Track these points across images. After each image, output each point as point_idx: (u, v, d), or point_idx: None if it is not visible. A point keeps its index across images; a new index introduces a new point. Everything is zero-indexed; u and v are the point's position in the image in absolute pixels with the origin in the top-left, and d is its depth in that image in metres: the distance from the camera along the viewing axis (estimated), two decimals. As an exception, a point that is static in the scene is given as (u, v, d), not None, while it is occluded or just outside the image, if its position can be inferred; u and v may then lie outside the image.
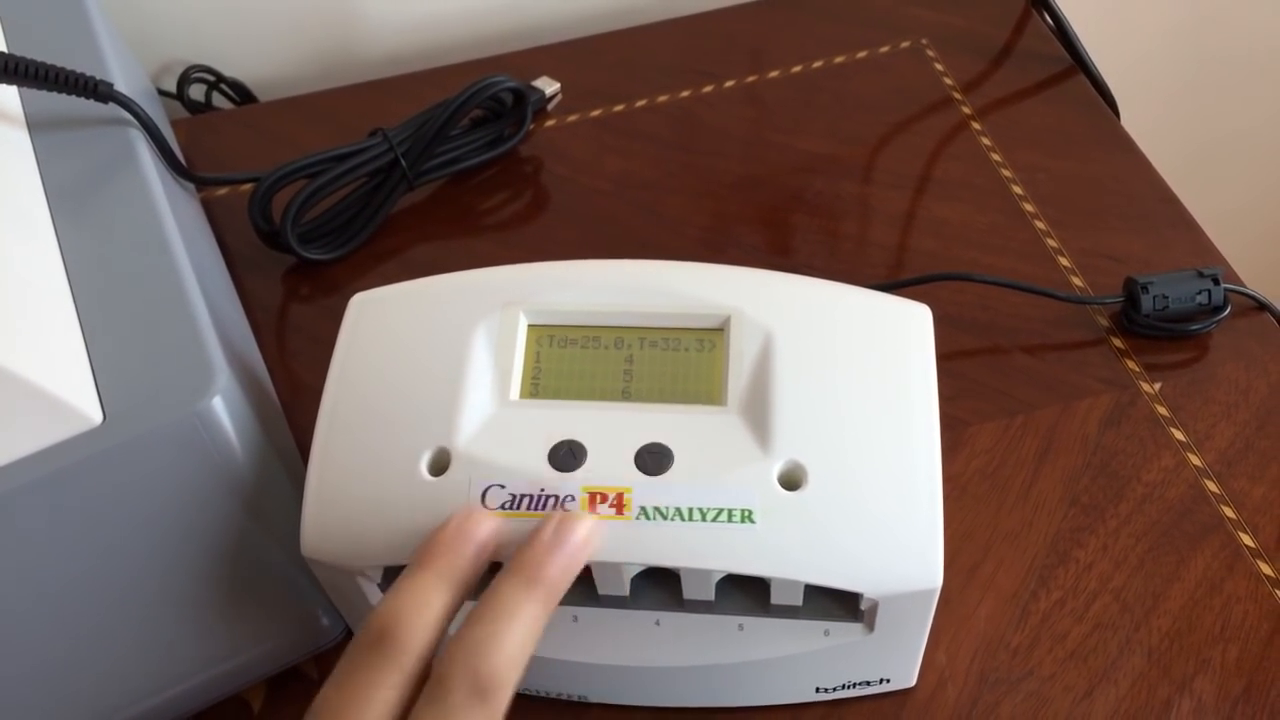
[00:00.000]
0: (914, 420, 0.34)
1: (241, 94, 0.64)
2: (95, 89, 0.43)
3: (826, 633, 0.36)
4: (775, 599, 0.35)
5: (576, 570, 0.32)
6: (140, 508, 0.37)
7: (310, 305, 0.53)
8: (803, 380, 0.35)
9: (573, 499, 0.33)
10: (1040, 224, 0.53)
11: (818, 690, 0.39)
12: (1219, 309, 0.47)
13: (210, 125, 0.60)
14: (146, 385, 0.36)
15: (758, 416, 0.34)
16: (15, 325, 0.35)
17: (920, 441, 0.34)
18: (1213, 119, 0.90)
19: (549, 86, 0.59)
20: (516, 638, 0.30)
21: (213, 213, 0.56)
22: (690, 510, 0.33)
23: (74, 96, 0.43)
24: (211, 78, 0.63)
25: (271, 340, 0.51)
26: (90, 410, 0.35)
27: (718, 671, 0.37)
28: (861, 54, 0.61)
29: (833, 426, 0.34)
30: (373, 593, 0.37)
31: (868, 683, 0.39)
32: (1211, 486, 0.44)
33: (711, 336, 0.36)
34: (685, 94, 0.60)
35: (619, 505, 0.33)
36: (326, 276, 0.53)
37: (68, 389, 0.35)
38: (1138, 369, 0.48)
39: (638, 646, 0.37)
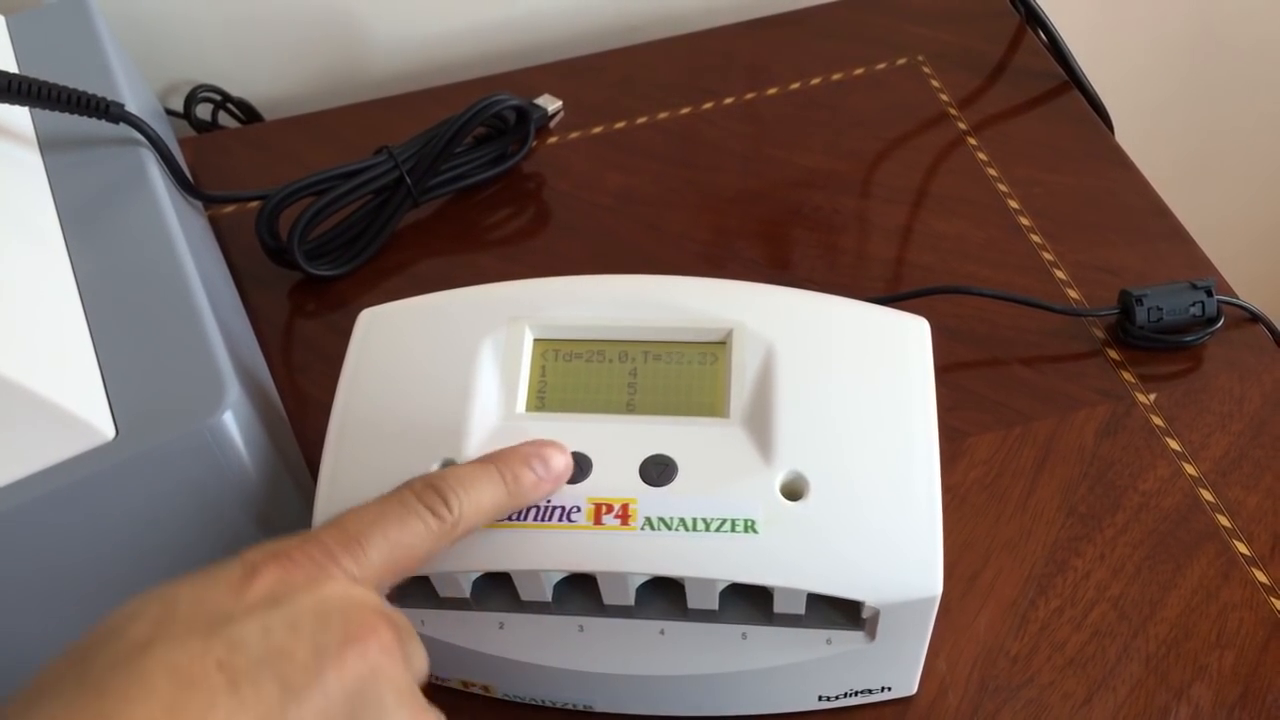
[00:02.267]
0: (913, 431, 0.35)
1: (248, 113, 0.65)
2: (106, 110, 0.44)
3: (829, 641, 0.36)
4: (778, 608, 0.35)
5: (538, 495, 0.34)
6: (151, 520, 0.38)
7: (316, 321, 0.53)
8: (804, 392, 0.36)
9: (579, 510, 0.34)
10: (1036, 237, 0.54)
11: (820, 699, 0.39)
12: (1212, 320, 0.48)
13: (217, 144, 0.61)
14: (158, 400, 0.37)
15: (760, 428, 0.35)
16: (29, 342, 0.36)
17: (920, 452, 0.35)
18: (1204, 130, 0.91)
19: (551, 104, 0.60)
20: (481, 493, 0.32)
21: (220, 230, 0.56)
22: (694, 520, 0.34)
23: (85, 117, 0.44)
24: (218, 97, 0.64)
25: (278, 355, 0.52)
26: (103, 425, 0.36)
27: (721, 680, 0.37)
28: (859, 71, 0.62)
29: (834, 437, 0.35)
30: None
31: (869, 691, 0.39)
32: (1207, 495, 0.45)
33: (714, 350, 0.37)
34: (685, 111, 0.61)
35: (624, 516, 0.34)
36: (332, 292, 0.54)
37: (81, 404, 0.36)
38: (1133, 380, 0.48)
39: (643, 656, 0.37)
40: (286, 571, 0.28)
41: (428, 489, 0.31)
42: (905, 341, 0.37)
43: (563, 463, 0.34)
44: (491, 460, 0.33)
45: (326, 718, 0.26)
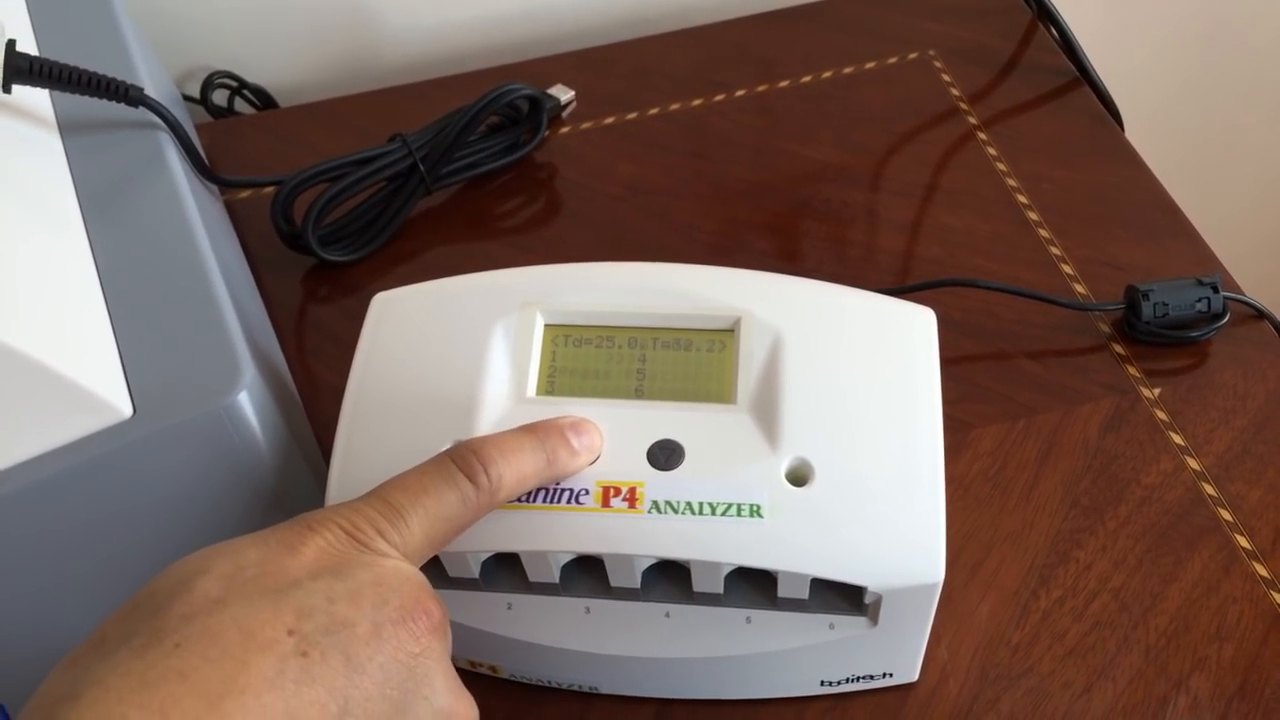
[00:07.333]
0: (918, 419, 0.35)
1: (263, 100, 0.66)
2: (126, 93, 0.44)
3: (831, 626, 0.37)
4: (782, 592, 0.36)
5: (574, 468, 0.34)
6: (167, 498, 0.38)
7: (329, 305, 0.54)
8: (811, 380, 0.36)
9: (587, 492, 0.34)
10: (1044, 232, 0.54)
11: (822, 683, 0.40)
12: (1218, 316, 0.49)
13: (233, 130, 0.62)
14: (175, 380, 0.38)
15: (767, 415, 0.36)
16: (50, 321, 0.36)
17: (924, 440, 0.35)
18: (1210, 127, 0.91)
19: (564, 94, 0.60)
20: (523, 461, 0.33)
21: (235, 214, 0.57)
22: (700, 505, 0.34)
23: (104, 100, 0.45)
24: (234, 84, 0.64)
25: (291, 339, 0.53)
26: (121, 403, 0.36)
27: (725, 663, 0.38)
28: (870, 65, 0.62)
29: (839, 425, 0.35)
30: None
31: (871, 676, 0.40)
32: (1209, 489, 0.45)
33: (722, 337, 0.37)
34: (697, 103, 0.61)
35: (631, 499, 0.34)
36: (345, 278, 0.55)
37: (99, 383, 0.36)
38: (1138, 375, 0.49)
39: (648, 638, 0.38)
40: (341, 541, 0.28)
41: (469, 455, 0.32)
42: (911, 331, 0.37)
43: (597, 438, 0.35)
44: (530, 430, 0.34)
45: (383, 691, 0.26)
